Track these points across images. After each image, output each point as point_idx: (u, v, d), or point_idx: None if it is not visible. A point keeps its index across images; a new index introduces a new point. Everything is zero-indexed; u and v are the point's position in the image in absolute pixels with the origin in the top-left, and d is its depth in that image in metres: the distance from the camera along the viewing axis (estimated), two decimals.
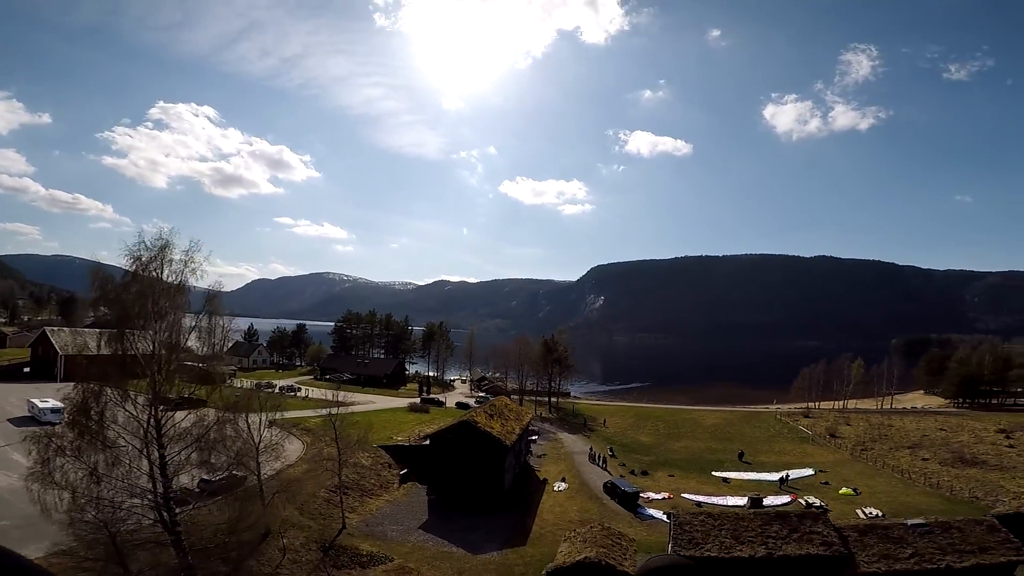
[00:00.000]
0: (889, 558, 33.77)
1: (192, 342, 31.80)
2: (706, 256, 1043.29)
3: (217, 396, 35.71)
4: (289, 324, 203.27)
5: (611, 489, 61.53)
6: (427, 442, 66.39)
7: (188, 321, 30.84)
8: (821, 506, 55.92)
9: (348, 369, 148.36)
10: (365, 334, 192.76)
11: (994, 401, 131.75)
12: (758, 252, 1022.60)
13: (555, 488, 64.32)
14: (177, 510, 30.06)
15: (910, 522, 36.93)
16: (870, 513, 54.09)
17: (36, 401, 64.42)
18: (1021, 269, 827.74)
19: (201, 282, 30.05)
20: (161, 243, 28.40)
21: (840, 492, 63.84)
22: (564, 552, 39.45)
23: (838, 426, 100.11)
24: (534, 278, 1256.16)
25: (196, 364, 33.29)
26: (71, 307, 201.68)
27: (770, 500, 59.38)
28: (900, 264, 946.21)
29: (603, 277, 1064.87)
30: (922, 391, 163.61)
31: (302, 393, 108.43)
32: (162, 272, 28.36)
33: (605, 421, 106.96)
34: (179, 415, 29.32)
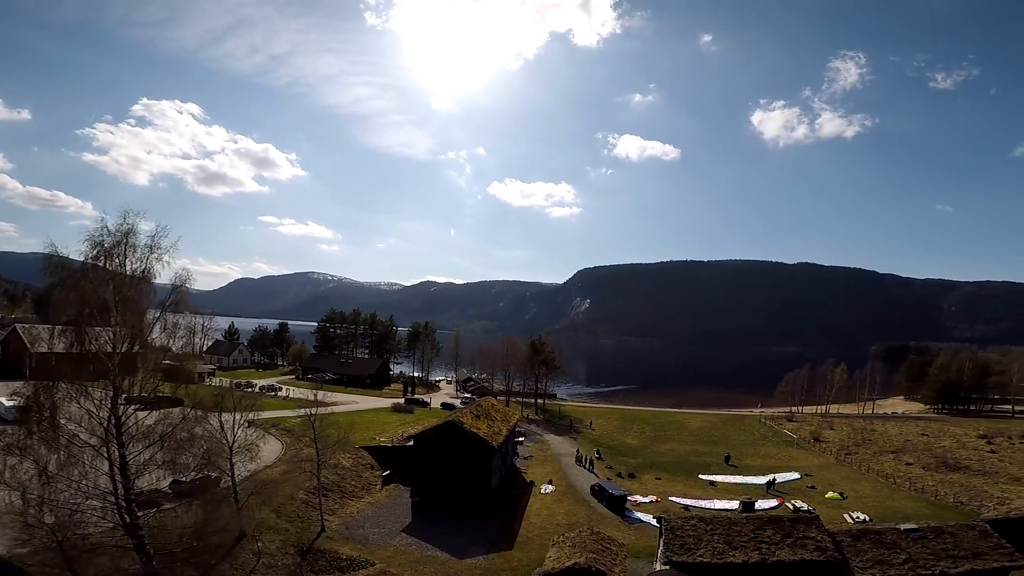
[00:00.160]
0: (883, 564, 33.10)
1: (156, 334, 29.84)
2: (692, 261, 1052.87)
3: (184, 393, 33.75)
4: (272, 323, 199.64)
5: (598, 492, 60.54)
6: (411, 443, 64.83)
7: (153, 313, 28.98)
8: (809, 510, 55.37)
9: (331, 369, 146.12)
10: (349, 333, 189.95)
11: (972, 407, 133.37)
12: (743, 258, 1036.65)
13: (542, 491, 63.15)
14: (142, 513, 28.27)
15: (903, 527, 36.34)
16: (858, 518, 53.67)
17: (3, 399, 61.77)
18: (996, 279, 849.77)
19: (167, 270, 28.12)
20: (125, 227, 26.51)
21: (826, 496, 63.50)
22: (553, 557, 38.25)
23: (822, 430, 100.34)
24: (521, 280, 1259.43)
25: (162, 359, 31.24)
26: (47, 304, 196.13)
27: (758, 504, 58.76)
28: (881, 272, 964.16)
29: (590, 280, 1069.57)
30: (902, 397, 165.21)
31: (283, 393, 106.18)
32: (126, 259, 26.51)
33: (591, 423, 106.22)
34: (142, 412, 27.44)
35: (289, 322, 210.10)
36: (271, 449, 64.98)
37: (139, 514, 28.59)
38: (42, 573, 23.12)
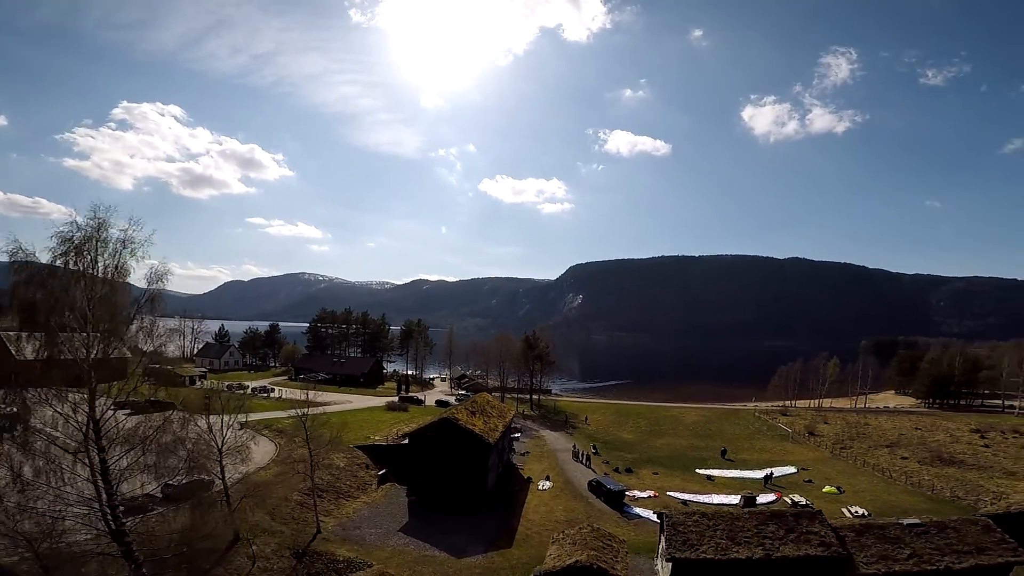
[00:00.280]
0: (888, 559, 32.80)
1: (133, 334, 28.62)
2: (683, 256, 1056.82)
3: (165, 395, 32.73)
4: (263, 325, 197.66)
5: (596, 487, 60.11)
6: (406, 441, 64.09)
7: (129, 311, 27.72)
8: (807, 504, 55.29)
9: (323, 369, 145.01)
10: (341, 333, 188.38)
11: (963, 402, 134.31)
12: (734, 253, 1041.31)
13: (540, 487, 62.62)
14: (131, 519, 27.36)
15: (906, 522, 36.08)
16: (856, 512, 53.55)
17: None
18: (983, 275, 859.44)
19: (142, 266, 26.83)
20: (96, 221, 25.22)
21: (824, 490, 63.40)
22: (553, 555, 37.72)
23: (816, 424, 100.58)
24: (514, 277, 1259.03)
25: (142, 360, 30.03)
26: (33, 312, 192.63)
27: (757, 499, 58.53)
28: (871, 268, 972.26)
29: (582, 276, 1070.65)
30: (894, 391, 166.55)
31: (275, 394, 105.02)
32: (98, 254, 25.25)
33: (587, 418, 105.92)
34: (122, 416, 26.40)
35: (280, 323, 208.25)
36: (264, 451, 64.14)
37: (125, 520, 27.81)
38: None
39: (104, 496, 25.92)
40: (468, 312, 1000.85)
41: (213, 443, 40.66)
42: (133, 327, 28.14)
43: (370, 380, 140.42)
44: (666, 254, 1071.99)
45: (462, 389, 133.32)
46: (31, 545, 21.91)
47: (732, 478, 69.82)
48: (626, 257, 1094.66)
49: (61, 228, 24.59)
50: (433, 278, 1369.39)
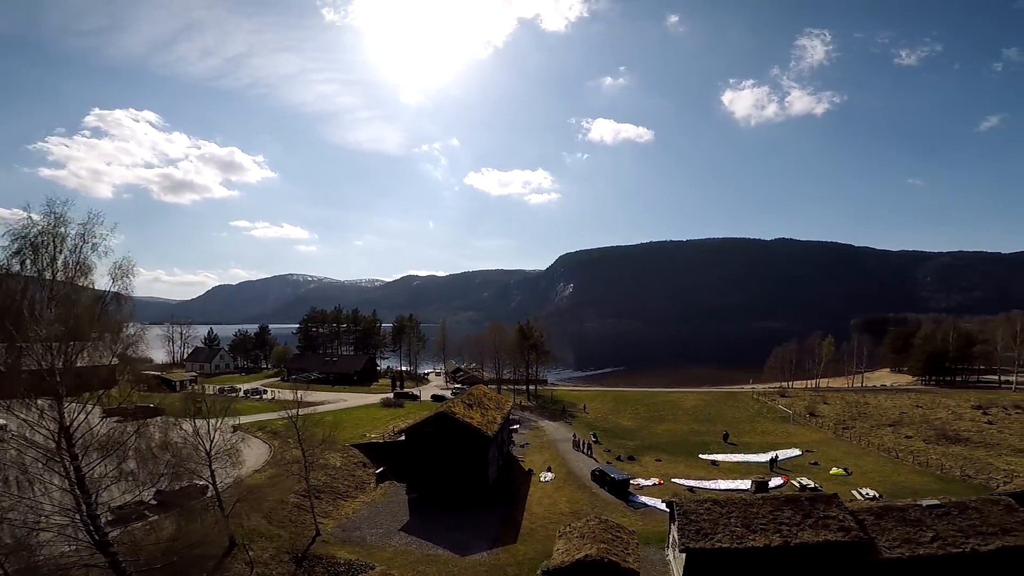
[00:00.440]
0: (911, 542, 31.63)
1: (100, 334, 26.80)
2: (670, 241, 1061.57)
3: (137, 399, 31.12)
4: (252, 328, 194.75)
5: (600, 477, 58.85)
6: (402, 438, 62.41)
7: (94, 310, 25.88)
8: (816, 488, 54.33)
9: (316, 368, 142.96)
10: (332, 331, 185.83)
11: (959, 378, 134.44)
12: (720, 236, 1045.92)
13: (541, 479, 61.25)
14: (117, 528, 25.71)
15: (925, 503, 34.91)
16: (867, 494, 52.48)
17: None
18: (969, 249, 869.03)
19: (105, 261, 25.02)
20: (54, 216, 23.60)
21: (831, 472, 62.47)
22: (561, 550, 36.31)
23: (816, 405, 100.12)
24: (504, 269, 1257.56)
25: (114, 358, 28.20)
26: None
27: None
28: (857, 246, 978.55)
29: (571, 265, 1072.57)
30: (888, 369, 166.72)
31: (268, 395, 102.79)
32: (57, 252, 23.71)
33: (585, 407, 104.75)
34: (93, 420, 24.67)
35: (271, 325, 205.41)
36: (258, 453, 62.44)
37: (108, 531, 26.61)
38: None
39: (84, 506, 24.63)
40: (460, 306, 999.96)
41: (201, 447, 39.09)
42: (100, 329, 26.11)
43: (364, 378, 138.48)
44: (654, 240, 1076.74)
45: (457, 383, 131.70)
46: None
47: (737, 462, 68.81)
48: (615, 244, 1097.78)
49: (14, 225, 22.97)
50: (423, 274, 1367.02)
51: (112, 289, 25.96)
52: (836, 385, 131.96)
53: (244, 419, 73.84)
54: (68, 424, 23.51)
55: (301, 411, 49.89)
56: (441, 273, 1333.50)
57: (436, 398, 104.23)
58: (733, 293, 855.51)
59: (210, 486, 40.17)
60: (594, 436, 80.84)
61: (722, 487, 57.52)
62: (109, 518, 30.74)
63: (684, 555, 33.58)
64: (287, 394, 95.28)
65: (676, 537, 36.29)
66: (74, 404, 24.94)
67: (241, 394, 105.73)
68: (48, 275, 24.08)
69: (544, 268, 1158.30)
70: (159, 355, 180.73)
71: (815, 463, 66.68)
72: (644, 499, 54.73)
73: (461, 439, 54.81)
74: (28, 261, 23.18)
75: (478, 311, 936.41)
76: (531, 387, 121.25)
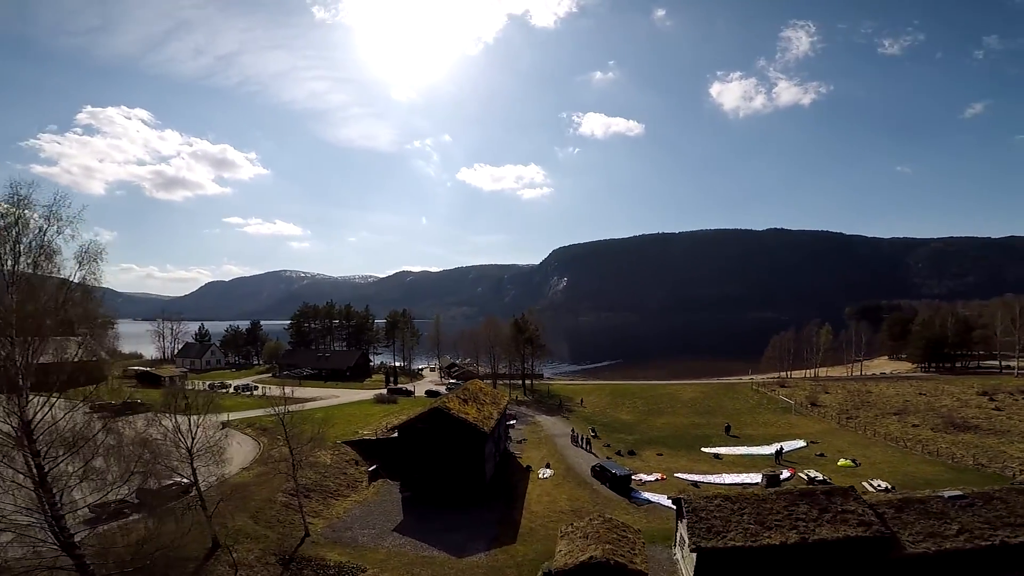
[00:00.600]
0: (936, 536, 29.80)
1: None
2: (663, 233, 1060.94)
3: (97, 393, 29.48)
4: (244, 323, 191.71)
5: (600, 473, 56.89)
6: (396, 434, 60.27)
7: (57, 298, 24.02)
8: (825, 480, 52.55)
9: (308, 364, 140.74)
10: (324, 327, 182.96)
11: (959, 364, 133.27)
12: (714, 227, 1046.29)
13: (540, 475, 59.23)
14: (88, 529, 25.09)
15: (947, 494, 33.12)
16: (879, 486, 50.66)
17: None
18: (959, 235, 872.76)
19: (71, 244, 23.39)
20: (16, 199, 22.12)
21: (839, 464, 60.66)
22: (564, 551, 34.28)
23: (817, 395, 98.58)
24: (498, 263, 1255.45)
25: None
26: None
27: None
28: (848, 234, 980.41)
29: (565, 259, 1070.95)
30: (887, 356, 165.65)
31: (259, 391, 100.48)
32: (20, 237, 22.22)
33: (582, 401, 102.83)
34: (57, 413, 23.00)
35: (264, 321, 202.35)
36: (246, 450, 60.60)
37: (77, 531, 25.30)
38: None
39: (47, 505, 23.37)
40: (454, 301, 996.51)
41: (181, 444, 37.03)
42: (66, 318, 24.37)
43: (357, 373, 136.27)
44: (647, 232, 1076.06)
45: (452, 378, 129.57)
46: None
47: (740, 455, 66.99)
48: (608, 238, 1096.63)
49: None
50: (416, 269, 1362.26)
51: (78, 274, 24.14)
52: (835, 374, 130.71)
53: (233, 415, 71.78)
54: (30, 419, 21.96)
55: (291, 407, 48.06)
56: (435, 268, 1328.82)
57: (430, 393, 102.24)
58: (727, 284, 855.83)
59: (193, 484, 38.37)
60: (593, 431, 78.94)
61: (727, 481, 55.64)
62: (88, 516, 29.74)
63: (695, 555, 31.61)
64: (278, 390, 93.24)
65: (685, 535, 34.35)
66: (37, 398, 23.58)
67: (232, 390, 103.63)
68: (9, 261, 22.55)
69: (538, 262, 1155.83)
70: (149, 351, 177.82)
71: (821, 454, 64.95)
72: (647, 495, 52.80)
73: (456, 435, 52.75)
74: None
75: (472, 306, 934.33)
76: (527, 382, 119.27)
